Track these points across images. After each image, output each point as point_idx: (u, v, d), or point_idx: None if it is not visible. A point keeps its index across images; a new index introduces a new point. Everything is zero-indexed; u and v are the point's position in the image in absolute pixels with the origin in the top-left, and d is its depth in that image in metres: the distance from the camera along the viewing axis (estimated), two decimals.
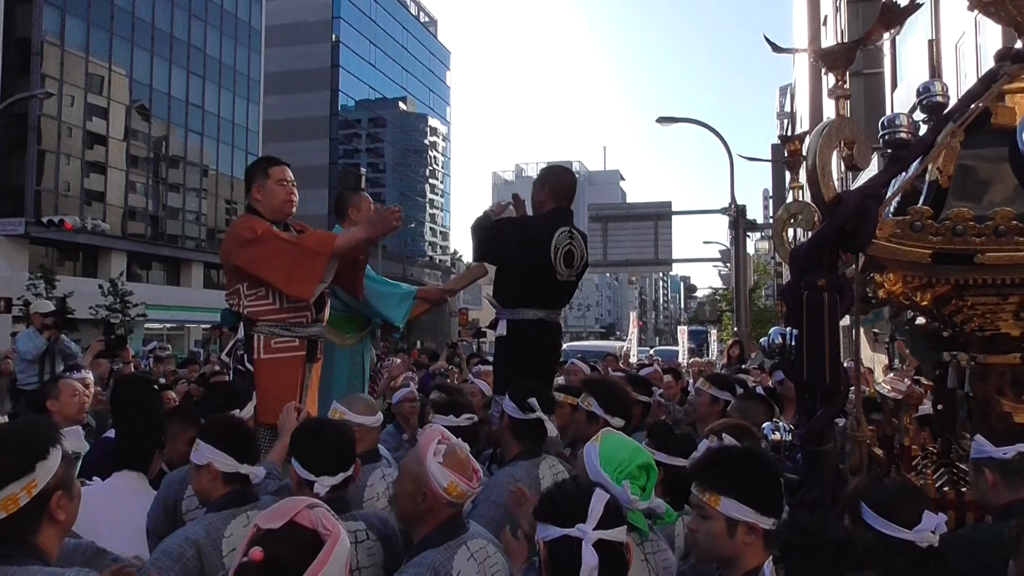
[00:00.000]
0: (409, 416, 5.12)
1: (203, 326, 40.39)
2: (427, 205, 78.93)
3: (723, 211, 19.83)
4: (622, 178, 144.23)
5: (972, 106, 3.13)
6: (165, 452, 3.44)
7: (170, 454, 3.46)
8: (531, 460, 3.32)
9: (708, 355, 21.82)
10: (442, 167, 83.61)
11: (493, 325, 4.80)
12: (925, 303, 3.19)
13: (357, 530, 2.59)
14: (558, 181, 4.63)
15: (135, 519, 2.99)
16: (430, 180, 79.80)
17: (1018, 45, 3.26)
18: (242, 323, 3.90)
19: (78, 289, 26.58)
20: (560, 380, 5.54)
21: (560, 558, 1.95)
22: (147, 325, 38.10)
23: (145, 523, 2.99)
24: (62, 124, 37.31)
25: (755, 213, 38.62)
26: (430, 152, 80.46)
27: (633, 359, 16.32)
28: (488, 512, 2.99)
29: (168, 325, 42.52)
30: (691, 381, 7.63)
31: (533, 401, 3.31)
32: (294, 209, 4.06)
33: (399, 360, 8.07)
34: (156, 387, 4.62)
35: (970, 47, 12.83)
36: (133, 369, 6.66)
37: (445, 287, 5.47)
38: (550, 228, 4.42)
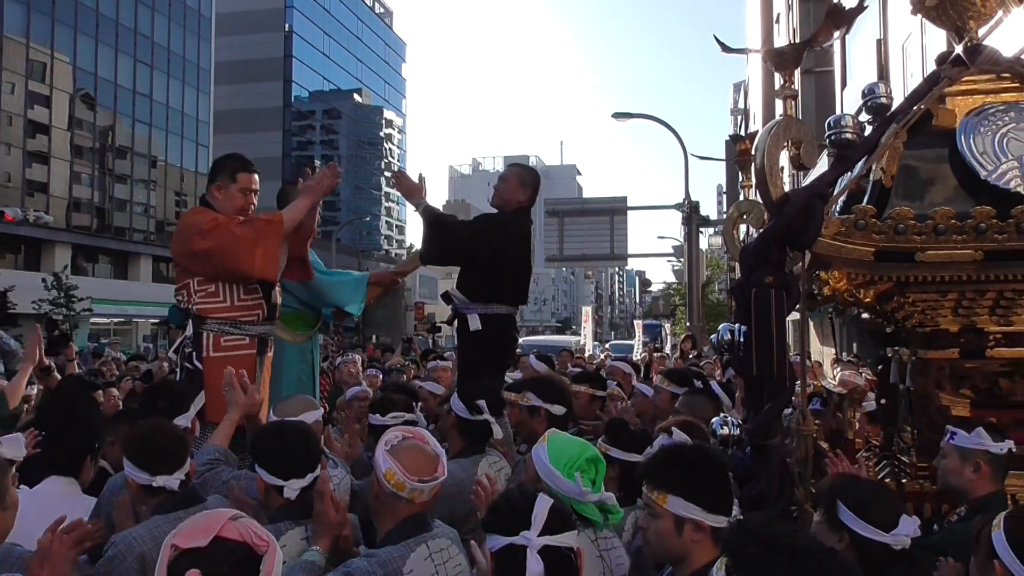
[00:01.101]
0: (360, 415, 5.07)
1: (151, 321, 39.53)
2: (383, 198, 78.34)
3: (677, 207, 20.04)
4: (579, 173, 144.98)
5: (914, 108, 3.21)
6: (110, 456, 3.36)
7: (114, 458, 3.37)
8: (471, 457, 3.35)
9: (665, 349, 22.07)
10: (398, 160, 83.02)
11: (451, 320, 4.80)
12: (868, 300, 3.27)
13: None
14: (535, 183, 4.77)
15: None
16: (385, 173, 79.21)
17: (958, 49, 3.34)
18: (191, 320, 3.82)
19: (20, 283, 25.84)
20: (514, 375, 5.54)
21: (506, 568, 1.91)
22: (93, 320, 37.17)
23: None
24: (1, 112, 36.13)
25: (709, 209, 39.20)
26: (386, 145, 79.85)
27: (588, 353, 16.42)
28: None
29: (115, 320, 41.53)
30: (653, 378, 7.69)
31: (482, 403, 3.34)
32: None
33: (356, 357, 7.98)
34: (99, 385, 4.51)
35: (916, 47, 13.14)
36: (76, 367, 6.46)
37: (396, 270, 5.45)
38: (527, 225, 4.61)
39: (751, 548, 1.44)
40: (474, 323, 4.49)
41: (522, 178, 4.70)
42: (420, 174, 4.71)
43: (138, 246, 44.34)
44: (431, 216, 4.58)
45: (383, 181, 77.94)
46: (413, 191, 4.65)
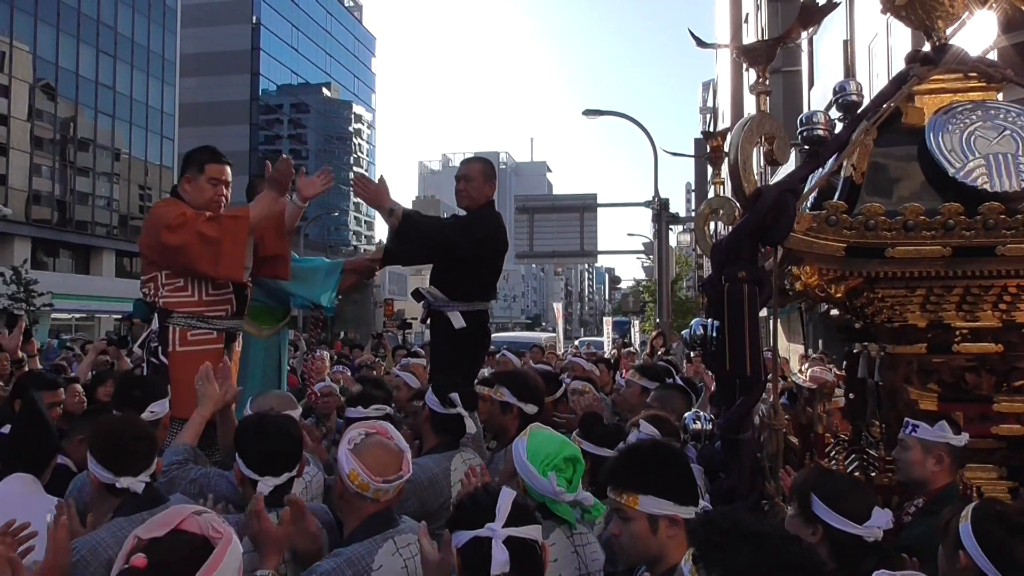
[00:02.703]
0: (327, 411, 5.02)
1: (114, 317, 38.82)
2: (351, 193, 77.59)
3: (647, 204, 20.13)
4: (549, 170, 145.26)
5: (884, 106, 3.24)
6: (76, 454, 3.28)
7: (80, 456, 3.30)
8: (444, 453, 3.32)
9: (634, 346, 22.19)
10: (367, 155, 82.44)
11: (426, 319, 4.74)
12: (839, 295, 3.30)
13: None
14: (495, 174, 4.77)
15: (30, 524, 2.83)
16: (354, 168, 78.59)
17: (926, 48, 3.39)
18: (157, 314, 3.75)
19: None
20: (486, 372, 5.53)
21: (472, 560, 1.91)
22: (54, 315, 36.42)
23: (40, 527, 2.83)
24: None
25: (678, 207, 39.59)
26: (354, 139, 79.20)
27: (559, 351, 16.42)
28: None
29: (77, 315, 40.73)
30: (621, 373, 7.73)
31: (455, 397, 3.31)
32: (220, 210, 3.94)
33: (325, 354, 7.89)
34: (60, 383, 4.41)
35: (881, 48, 13.35)
36: (38, 362, 6.34)
37: (371, 257, 5.33)
38: (502, 221, 4.64)
39: (716, 536, 1.46)
40: (457, 321, 4.45)
41: (486, 172, 4.67)
42: (381, 176, 4.61)
43: (100, 240, 43.48)
44: (408, 218, 4.42)
45: (352, 176, 77.41)
46: (380, 195, 4.42)
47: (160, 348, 3.71)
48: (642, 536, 2.14)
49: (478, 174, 4.63)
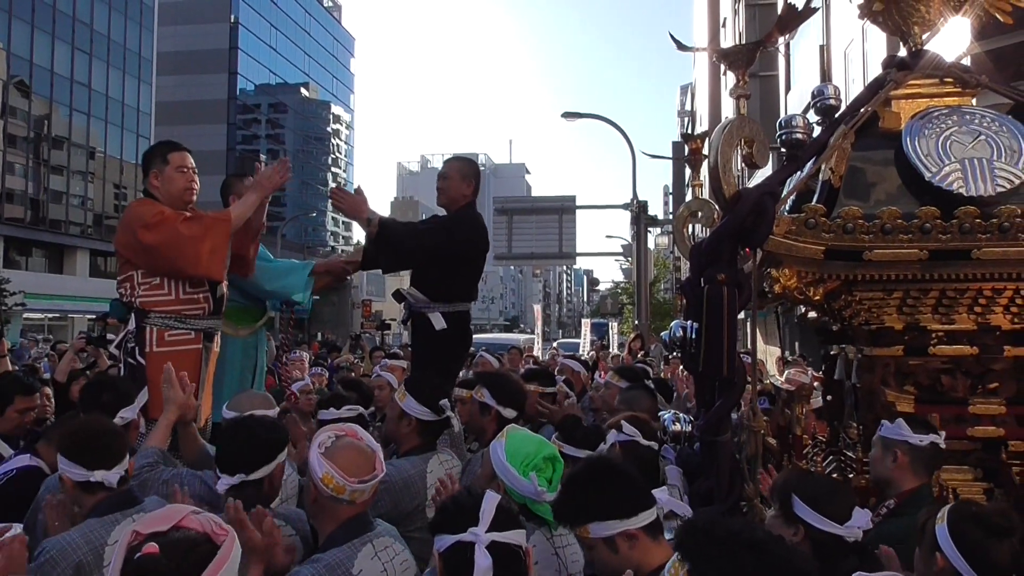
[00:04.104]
0: (306, 410, 4.98)
1: (88, 317, 38.29)
2: (329, 194, 77.22)
3: (625, 206, 20.20)
4: (527, 171, 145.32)
5: (861, 110, 3.27)
6: (46, 459, 3.23)
7: (50, 460, 3.24)
8: (421, 455, 3.29)
9: (612, 347, 22.24)
10: (345, 155, 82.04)
11: (407, 320, 4.72)
12: (817, 298, 3.32)
13: (280, 527, 2.51)
14: (477, 174, 4.70)
15: None
16: (332, 168, 78.14)
17: (902, 53, 3.42)
18: (133, 314, 3.70)
19: None
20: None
21: (455, 566, 1.89)
22: (27, 315, 35.87)
23: None
24: None
25: (656, 209, 39.70)
26: (333, 140, 78.78)
27: (537, 352, 16.42)
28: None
29: (49, 315, 40.15)
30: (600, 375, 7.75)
31: (445, 403, 3.29)
32: (194, 198, 3.91)
33: (304, 355, 7.81)
34: (36, 387, 4.34)
35: (857, 53, 13.50)
36: (8, 363, 6.23)
37: (347, 259, 5.29)
38: (484, 222, 4.62)
39: (711, 549, 1.44)
40: (439, 323, 4.42)
41: (463, 171, 4.63)
42: (358, 187, 4.59)
43: (74, 239, 42.90)
44: (385, 227, 4.41)
45: (329, 177, 76.95)
46: (358, 205, 4.40)
47: (137, 348, 3.67)
48: (606, 558, 2.14)
49: (455, 172, 4.61)
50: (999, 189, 3.01)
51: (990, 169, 3.06)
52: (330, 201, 4.60)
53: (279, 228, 38.89)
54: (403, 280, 4.75)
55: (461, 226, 4.50)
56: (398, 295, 4.71)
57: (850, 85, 13.35)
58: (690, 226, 4.33)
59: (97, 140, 44.85)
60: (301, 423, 4.36)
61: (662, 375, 7.91)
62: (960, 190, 3.04)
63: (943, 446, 2.90)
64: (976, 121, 3.21)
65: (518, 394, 3.77)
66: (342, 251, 75.98)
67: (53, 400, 5.13)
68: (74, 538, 2.34)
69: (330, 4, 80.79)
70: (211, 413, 3.98)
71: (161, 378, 3.18)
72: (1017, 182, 3.01)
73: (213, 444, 2.59)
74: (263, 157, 62.97)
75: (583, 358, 11.20)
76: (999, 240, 2.91)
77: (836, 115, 3.41)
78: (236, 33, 61.98)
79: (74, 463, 2.45)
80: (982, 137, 3.15)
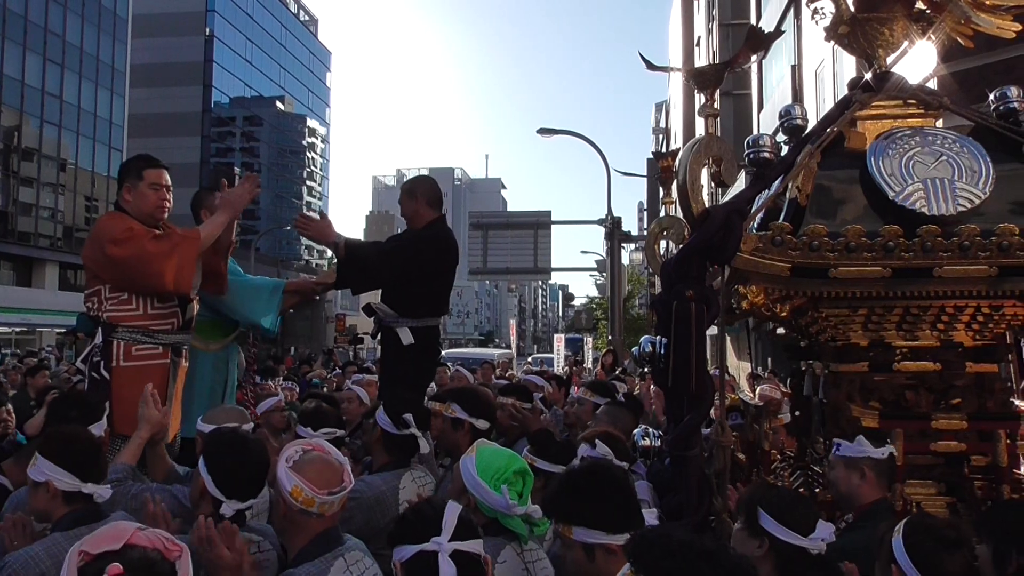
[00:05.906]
0: (279, 426, 4.95)
1: (57, 331, 37.68)
2: (304, 208, 76.76)
3: (600, 222, 20.33)
4: (503, 187, 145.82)
5: (828, 130, 3.33)
6: (11, 475, 3.19)
7: (16, 478, 3.19)
8: (394, 471, 3.28)
9: (586, 363, 22.28)
10: (320, 169, 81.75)
11: (376, 334, 4.72)
12: (784, 314, 3.37)
13: (258, 541, 2.54)
14: (429, 189, 4.71)
15: None
16: (307, 182, 77.82)
17: (868, 75, 3.50)
18: (100, 328, 3.66)
19: None
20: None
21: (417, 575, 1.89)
22: None
23: None
24: None
25: (630, 225, 39.97)
26: (308, 153, 78.50)
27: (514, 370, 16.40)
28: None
29: (17, 329, 39.45)
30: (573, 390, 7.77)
31: (409, 417, 3.29)
32: (165, 215, 3.89)
33: (271, 383, 7.53)
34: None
35: (828, 74, 13.73)
36: None
37: (318, 280, 5.31)
38: (453, 237, 4.63)
39: (666, 561, 1.46)
40: (406, 337, 4.44)
41: (410, 189, 4.70)
42: (321, 212, 4.66)
43: (43, 252, 42.23)
44: (353, 249, 4.47)
45: (305, 190, 76.62)
46: (323, 230, 4.44)
47: (103, 363, 3.62)
48: (580, 563, 2.15)
49: (402, 195, 4.72)
50: (960, 208, 3.06)
51: (951, 189, 3.12)
52: (295, 228, 4.61)
53: (253, 241, 38.61)
54: (376, 294, 4.75)
55: (427, 243, 4.52)
56: (368, 309, 4.72)
57: (821, 104, 13.58)
58: (661, 243, 4.37)
59: (68, 152, 44.29)
60: (272, 439, 4.33)
61: (636, 391, 7.95)
62: (922, 209, 3.09)
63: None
64: (938, 142, 3.28)
65: (489, 406, 3.79)
66: (316, 265, 75.70)
67: (14, 416, 5.06)
68: (37, 552, 2.31)
69: (307, 18, 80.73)
70: (180, 428, 3.94)
71: (127, 392, 3.14)
72: (977, 202, 3.07)
73: (205, 458, 2.53)
74: (237, 170, 62.63)
75: (557, 373, 11.23)
76: (960, 258, 2.97)
77: (803, 135, 3.46)
78: (211, 46, 61.66)
79: (67, 472, 2.43)
80: (944, 158, 3.22)
